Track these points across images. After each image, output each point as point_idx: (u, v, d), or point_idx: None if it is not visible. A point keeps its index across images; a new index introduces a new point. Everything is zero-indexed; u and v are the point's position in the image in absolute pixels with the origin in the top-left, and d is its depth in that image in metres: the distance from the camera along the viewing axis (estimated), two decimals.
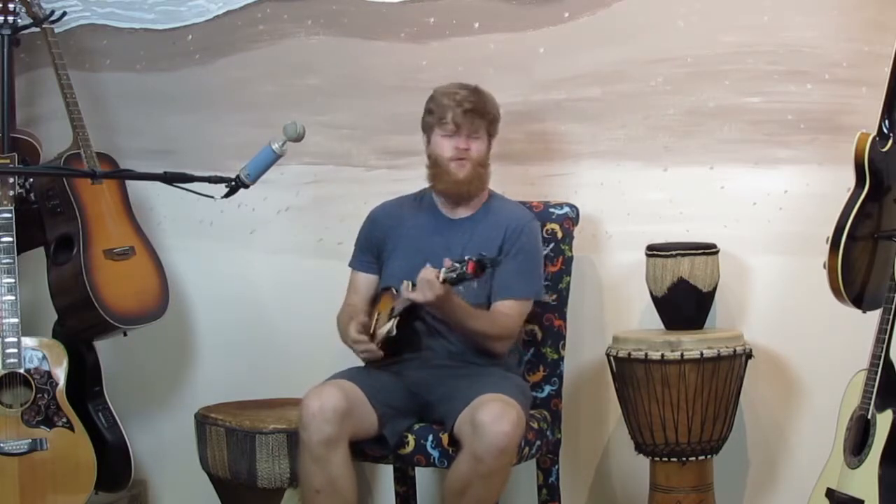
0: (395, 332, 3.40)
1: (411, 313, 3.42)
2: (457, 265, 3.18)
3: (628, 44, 3.85)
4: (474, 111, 3.50)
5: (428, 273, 3.24)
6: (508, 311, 3.47)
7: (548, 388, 3.72)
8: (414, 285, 3.30)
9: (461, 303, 3.35)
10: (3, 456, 3.69)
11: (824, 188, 3.65)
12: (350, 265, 3.68)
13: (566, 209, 3.78)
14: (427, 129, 3.57)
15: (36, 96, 4.38)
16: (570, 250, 3.77)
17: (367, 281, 3.64)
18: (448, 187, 3.54)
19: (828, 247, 3.26)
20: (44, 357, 3.80)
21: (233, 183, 2.95)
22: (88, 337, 4.03)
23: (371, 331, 3.49)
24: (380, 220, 3.66)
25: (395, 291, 3.48)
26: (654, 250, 3.71)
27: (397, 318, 3.40)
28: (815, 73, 3.70)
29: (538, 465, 3.67)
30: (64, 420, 3.79)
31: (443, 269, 3.22)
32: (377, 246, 3.63)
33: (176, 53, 4.31)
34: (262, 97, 4.22)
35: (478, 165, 3.52)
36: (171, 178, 2.93)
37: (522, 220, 3.56)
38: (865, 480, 3.09)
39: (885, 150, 3.24)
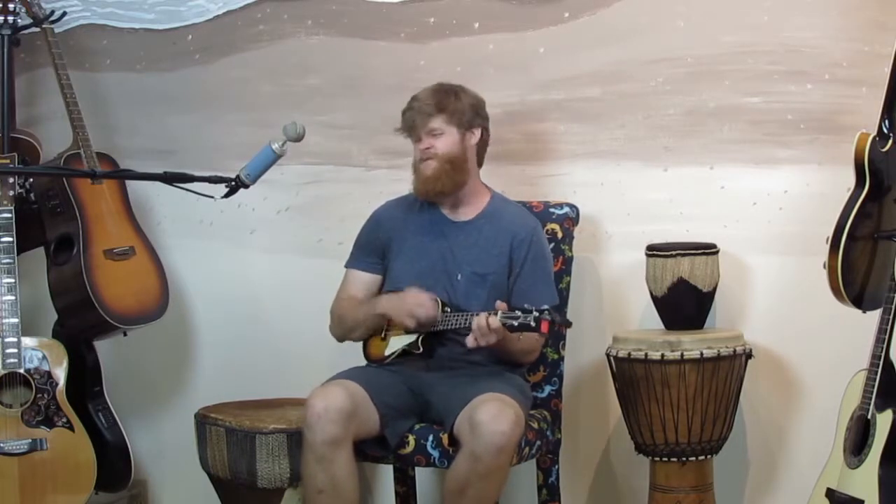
0: (420, 348, 3.41)
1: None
2: (519, 314, 3.18)
3: (628, 44, 3.85)
4: (425, 111, 3.49)
5: (494, 322, 3.21)
6: None
7: (548, 388, 3.72)
8: (447, 307, 3.36)
9: (508, 334, 3.31)
10: (3, 456, 3.68)
11: (824, 188, 3.65)
12: (347, 265, 3.66)
13: (566, 209, 3.78)
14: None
15: (36, 96, 4.38)
16: (570, 250, 3.77)
17: (368, 280, 3.63)
18: (419, 187, 3.54)
19: (828, 247, 3.26)
20: (44, 357, 3.80)
21: (233, 183, 2.95)
22: (88, 337, 4.02)
23: (383, 335, 3.49)
24: (383, 220, 3.65)
25: None
26: (653, 250, 3.71)
27: (421, 336, 3.41)
28: (815, 73, 3.70)
29: (538, 465, 3.67)
30: (64, 420, 3.78)
31: (499, 314, 3.21)
32: (381, 247, 3.62)
33: (176, 53, 4.31)
34: (262, 97, 4.22)
35: (446, 161, 3.49)
36: (171, 178, 2.93)
37: (529, 228, 3.55)
38: (865, 480, 3.09)
39: (885, 150, 3.24)
